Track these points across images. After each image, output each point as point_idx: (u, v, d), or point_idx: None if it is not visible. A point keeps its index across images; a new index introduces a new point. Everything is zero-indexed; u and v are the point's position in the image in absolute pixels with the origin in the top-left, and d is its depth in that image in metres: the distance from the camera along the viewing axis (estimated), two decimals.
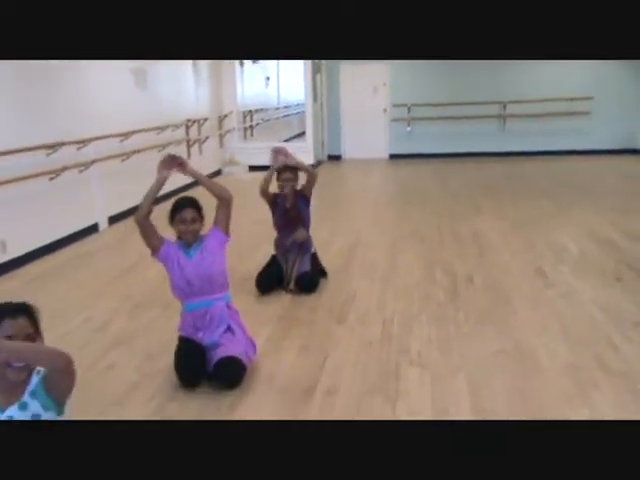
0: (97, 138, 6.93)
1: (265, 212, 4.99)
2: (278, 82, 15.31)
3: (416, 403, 3.12)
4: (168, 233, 3.51)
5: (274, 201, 4.82)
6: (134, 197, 7.98)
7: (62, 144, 6.25)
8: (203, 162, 10.03)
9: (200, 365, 3.36)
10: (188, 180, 3.87)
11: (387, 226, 7.13)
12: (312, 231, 4.98)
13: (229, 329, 3.46)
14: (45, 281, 5.39)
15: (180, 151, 9.53)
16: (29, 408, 1.99)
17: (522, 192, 8.89)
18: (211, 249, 3.44)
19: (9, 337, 1.96)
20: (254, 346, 3.58)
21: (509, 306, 4.40)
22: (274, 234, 4.94)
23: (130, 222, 7.60)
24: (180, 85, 9.77)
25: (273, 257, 4.93)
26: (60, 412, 2.05)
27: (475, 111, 12.49)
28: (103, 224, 7.29)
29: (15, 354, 1.91)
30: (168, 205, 3.51)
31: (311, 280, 4.80)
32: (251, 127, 13.01)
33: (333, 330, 4.09)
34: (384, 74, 12.74)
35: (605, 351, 3.63)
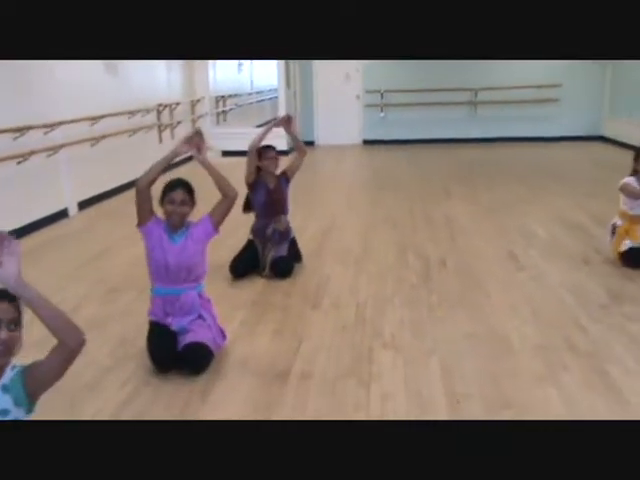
0: (66, 122, 6.79)
1: (239, 198, 4.95)
2: (251, 68, 15.18)
3: (389, 386, 3.15)
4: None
5: (256, 181, 4.76)
6: (104, 182, 7.99)
7: (30, 127, 6.12)
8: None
9: (171, 348, 3.33)
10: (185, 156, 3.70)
11: (360, 211, 7.15)
12: (287, 216, 4.96)
13: (200, 317, 3.44)
14: None
15: (152, 136, 9.43)
16: None
17: (493, 177, 8.98)
18: (196, 238, 3.38)
19: None
20: (224, 335, 3.56)
21: (481, 289, 4.45)
22: (249, 220, 4.91)
23: (99, 207, 7.44)
24: (151, 69, 9.62)
25: (250, 241, 4.89)
26: (30, 410, 1.96)
27: (447, 97, 12.57)
28: (73, 209, 7.17)
29: (36, 302, 1.81)
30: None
31: (286, 265, 4.78)
32: (224, 112, 12.91)
33: (307, 314, 4.10)
34: (357, 61, 12.71)
35: (573, 333, 3.70)
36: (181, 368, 3.30)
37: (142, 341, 3.45)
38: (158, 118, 9.72)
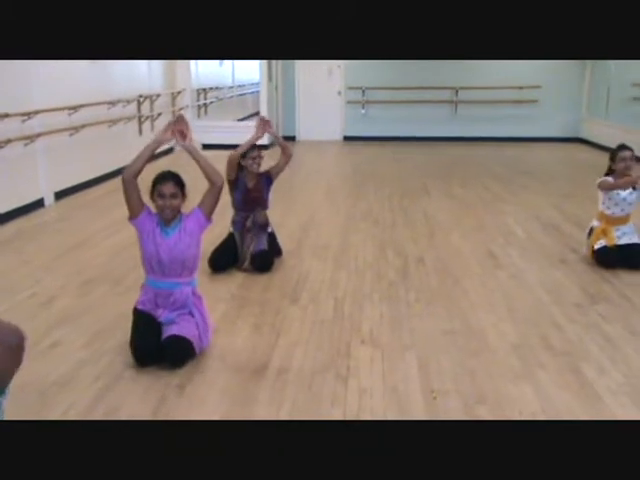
0: (44, 110, 6.68)
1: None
2: (233, 62, 15.09)
3: (367, 380, 3.16)
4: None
5: (237, 178, 4.74)
6: (82, 173, 7.90)
7: (6, 115, 6.02)
8: None
9: (155, 339, 3.28)
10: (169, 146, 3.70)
11: (340, 207, 7.15)
12: (267, 211, 4.95)
13: (189, 313, 3.40)
14: None
15: (131, 127, 9.32)
16: None
17: (472, 176, 9.04)
18: (189, 231, 3.34)
19: None
20: (208, 336, 3.50)
21: (459, 286, 4.48)
22: (228, 213, 4.88)
23: (76, 198, 7.37)
24: (132, 60, 9.51)
25: (230, 235, 4.86)
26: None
27: (428, 95, 12.63)
28: (49, 199, 7.06)
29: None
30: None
31: (266, 259, 4.77)
32: (205, 105, 12.81)
33: (286, 309, 4.09)
34: None
35: (550, 331, 3.74)
36: (160, 361, 3.26)
37: (118, 334, 3.42)
38: (138, 109, 9.62)
